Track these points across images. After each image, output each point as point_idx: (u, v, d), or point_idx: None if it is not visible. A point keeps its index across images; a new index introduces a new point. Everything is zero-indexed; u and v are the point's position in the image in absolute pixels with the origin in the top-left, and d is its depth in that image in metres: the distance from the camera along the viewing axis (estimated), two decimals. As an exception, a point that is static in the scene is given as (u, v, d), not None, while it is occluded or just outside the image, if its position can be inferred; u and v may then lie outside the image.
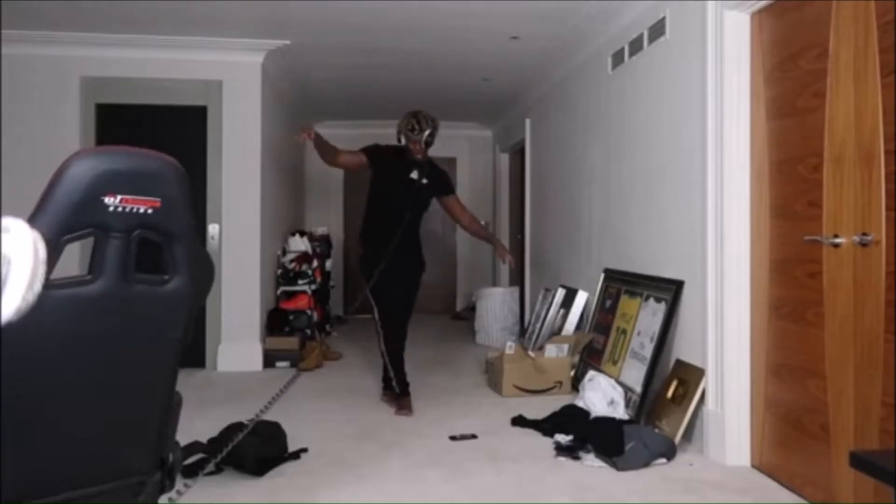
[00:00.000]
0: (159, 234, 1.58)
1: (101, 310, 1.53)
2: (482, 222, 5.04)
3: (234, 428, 3.23)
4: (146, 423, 1.75)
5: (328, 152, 4.18)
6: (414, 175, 4.18)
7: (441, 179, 4.38)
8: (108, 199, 1.45)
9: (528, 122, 7.00)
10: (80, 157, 1.45)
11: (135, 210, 1.49)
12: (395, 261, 4.12)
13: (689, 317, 3.56)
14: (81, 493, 1.63)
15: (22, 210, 1.42)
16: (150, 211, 1.52)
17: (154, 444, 1.77)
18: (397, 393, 4.19)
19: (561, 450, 3.34)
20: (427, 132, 4.11)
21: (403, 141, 4.16)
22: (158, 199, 1.53)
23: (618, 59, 4.53)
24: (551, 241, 6.13)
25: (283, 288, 6.11)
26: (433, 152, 4.31)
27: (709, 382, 3.29)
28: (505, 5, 4.40)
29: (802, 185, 2.80)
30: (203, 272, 1.73)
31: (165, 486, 1.82)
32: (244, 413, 3.62)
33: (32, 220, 1.38)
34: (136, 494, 1.75)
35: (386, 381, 4.33)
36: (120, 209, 1.47)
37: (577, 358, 4.67)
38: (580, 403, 3.84)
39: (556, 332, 5.09)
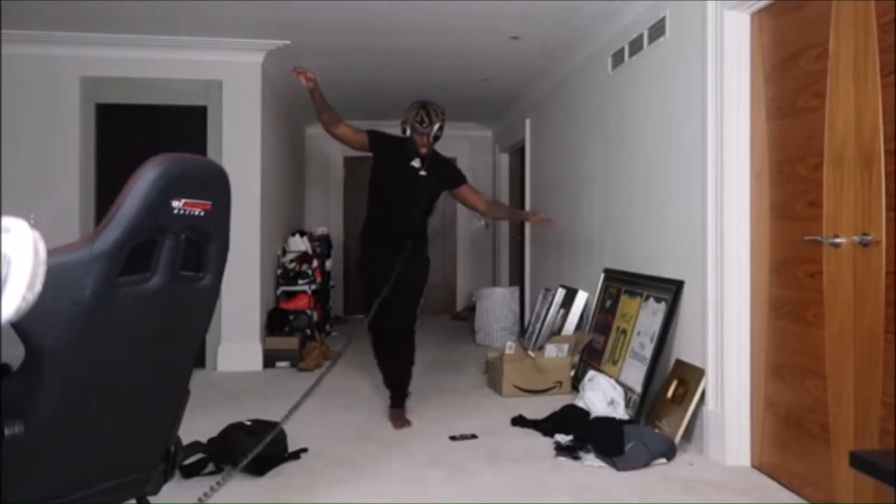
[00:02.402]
0: (201, 234, 1.67)
1: (156, 305, 1.61)
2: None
3: (235, 428, 3.24)
4: (168, 415, 1.82)
5: (329, 114, 3.91)
6: (415, 163, 3.90)
7: (447, 171, 4.08)
8: (174, 203, 1.55)
9: (528, 122, 7.01)
10: (154, 164, 1.53)
11: (191, 212, 1.59)
12: (392, 261, 3.86)
13: (689, 317, 3.56)
14: (98, 489, 1.68)
15: (22, 210, 1.43)
16: (202, 213, 1.61)
17: (167, 435, 1.83)
18: (388, 405, 3.97)
19: (561, 450, 3.34)
20: (437, 126, 3.83)
21: (409, 133, 3.85)
22: (210, 202, 1.63)
23: (618, 59, 4.53)
24: (551, 241, 6.12)
25: (283, 288, 6.11)
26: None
27: (709, 382, 3.29)
28: (505, 5, 4.40)
29: (802, 185, 2.80)
30: (221, 269, 1.81)
31: (168, 476, 1.86)
32: (244, 413, 3.62)
33: (106, 225, 1.47)
34: (143, 486, 1.79)
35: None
36: (181, 212, 1.57)
37: (577, 358, 4.67)
38: (580, 403, 3.84)
39: (556, 332, 5.09)
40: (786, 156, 2.94)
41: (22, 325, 1.38)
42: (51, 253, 1.39)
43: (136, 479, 1.77)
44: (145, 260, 1.56)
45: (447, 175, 4.07)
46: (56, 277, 1.38)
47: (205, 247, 1.70)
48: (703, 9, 3.34)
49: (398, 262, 3.87)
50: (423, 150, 3.87)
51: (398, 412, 3.93)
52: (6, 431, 1.40)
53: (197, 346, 1.88)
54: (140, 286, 1.56)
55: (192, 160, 1.67)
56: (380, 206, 3.98)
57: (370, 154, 4.01)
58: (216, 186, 1.68)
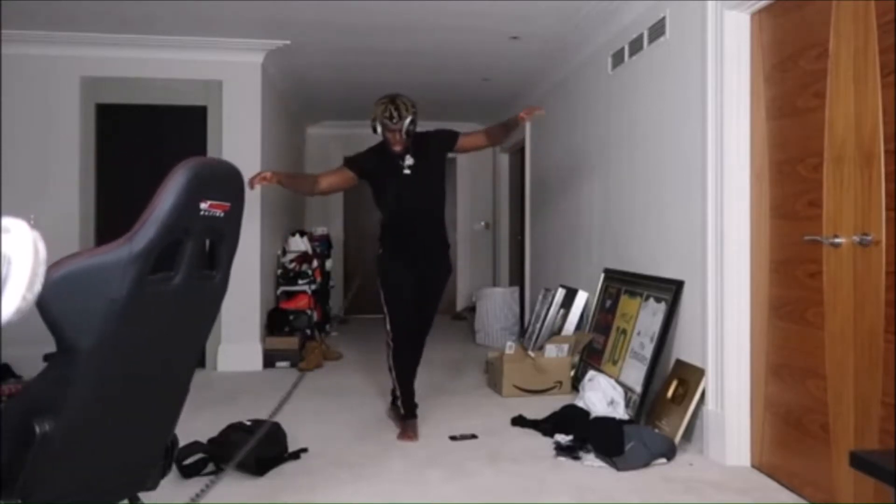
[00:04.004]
0: (218, 234, 1.71)
1: (175, 304, 1.65)
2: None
3: (235, 428, 3.24)
4: (173, 412, 1.84)
5: (306, 184, 3.75)
6: (403, 161, 3.70)
7: (435, 142, 3.82)
8: (202, 204, 1.58)
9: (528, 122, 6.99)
10: (185, 167, 1.56)
11: (213, 213, 1.62)
12: (415, 263, 3.73)
13: (689, 317, 3.56)
14: (103, 488, 1.69)
15: (22, 210, 1.44)
16: (221, 214, 1.65)
17: (169, 432, 1.86)
18: (402, 414, 3.79)
19: (561, 450, 3.34)
20: (408, 120, 3.59)
21: (380, 131, 3.64)
22: (229, 204, 1.67)
23: (618, 59, 4.53)
24: (551, 241, 6.12)
25: (283, 288, 6.11)
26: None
27: (709, 382, 3.29)
28: (505, 5, 4.40)
29: (802, 185, 2.80)
30: (229, 268, 1.84)
31: (165, 472, 1.88)
32: (244, 413, 3.62)
33: (142, 226, 1.50)
34: (143, 483, 1.81)
35: (394, 395, 3.94)
36: (206, 213, 1.60)
37: (577, 358, 4.67)
38: (580, 403, 3.84)
39: (556, 332, 5.09)
40: (786, 156, 2.94)
41: (60, 324, 1.40)
42: (91, 253, 1.46)
43: (137, 477, 1.78)
44: (168, 260, 1.59)
45: (440, 144, 3.84)
46: (97, 277, 1.43)
47: (218, 246, 1.73)
48: (703, 9, 3.34)
49: (422, 272, 3.76)
50: (398, 148, 3.66)
51: (413, 423, 3.76)
52: (37, 430, 1.41)
53: (202, 344, 1.91)
54: (166, 284, 1.59)
55: (216, 163, 1.72)
56: (392, 219, 3.78)
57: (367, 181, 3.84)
58: (234, 188, 1.73)
